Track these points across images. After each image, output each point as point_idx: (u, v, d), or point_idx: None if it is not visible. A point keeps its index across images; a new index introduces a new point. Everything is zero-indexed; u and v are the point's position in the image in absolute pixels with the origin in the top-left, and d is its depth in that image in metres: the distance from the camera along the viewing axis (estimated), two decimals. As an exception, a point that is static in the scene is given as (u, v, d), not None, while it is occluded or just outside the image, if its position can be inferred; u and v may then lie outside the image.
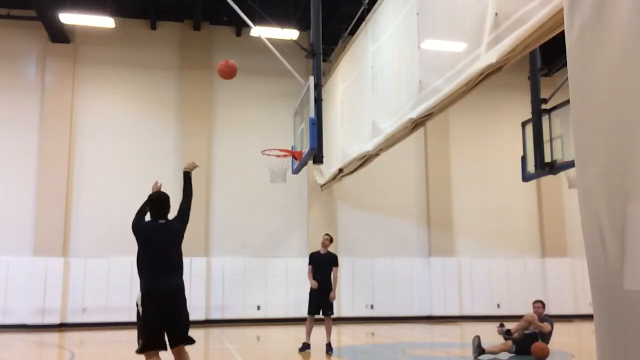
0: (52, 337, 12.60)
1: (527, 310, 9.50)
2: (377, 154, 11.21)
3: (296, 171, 11.01)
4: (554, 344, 8.83)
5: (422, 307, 16.22)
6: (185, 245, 5.18)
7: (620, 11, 2.30)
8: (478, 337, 8.46)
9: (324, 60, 13.23)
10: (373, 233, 16.40)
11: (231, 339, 12.12)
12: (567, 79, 2.68)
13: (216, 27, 16.36)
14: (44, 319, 14.03)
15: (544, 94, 11.79)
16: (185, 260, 5.18)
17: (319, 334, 9.45)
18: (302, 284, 13.05)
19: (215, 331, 13.42)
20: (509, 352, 8.64)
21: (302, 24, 14.76)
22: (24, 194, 14.73)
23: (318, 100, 9.56)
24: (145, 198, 5.25)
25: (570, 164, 10.37)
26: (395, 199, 16.67)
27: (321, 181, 15.42)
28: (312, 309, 9.29)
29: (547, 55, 13.34)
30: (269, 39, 10.69)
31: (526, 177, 12.22)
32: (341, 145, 12.93)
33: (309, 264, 9.46)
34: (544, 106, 11.59)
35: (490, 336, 9.47)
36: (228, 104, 16.18)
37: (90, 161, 15.22)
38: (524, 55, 6.55)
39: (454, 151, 17.23)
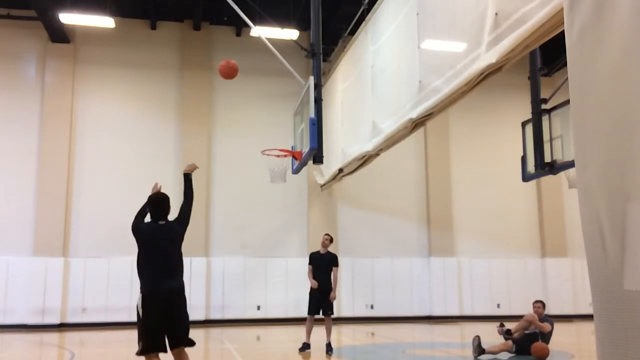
0: (52, 337, 12.60)
1: (527, 310, 9.50)
2: (377, 154, 11.21)
3: (296, 171, 11.01)
4: (554, 344, 8.83)
5: (422, 307, 16.22)
6: (185, 245, 5.18)
7: (620, 11, 2.30)
8: (478, 337, 8.46)
9: (324, 60, 13.23)
10: (373, 233, 16.40)
11: (231, 339, 12.12)
12: (567, 79, 2.68)
13: (216, 27, 16.36)
14: (44, 319, 14.03)
15: (544, 94, 11.79)
16: (185, 260, 5.18)
17: (319, 334, 9.45)
18: (302, 284, 13.05)
19: (215, 331, 13.42)
20: (509, 352, 8.64)
21: (302, 24, 14.76)
22: (24, 194, 14.73)
23: (318, 100, 9.56)
24: (145, 199, 5.25)
25: (570, 164, 10.37)
26: (395, 199, 16.67)
27: (321, 181, 15.42)
28: (312, 309, 9.29)
29: (547, 55, 13.34)
30: (269, 39, 10.69)
31: (526, 177, 12.22)
32: (341, 145, 12.93)
33: (309, 263, 9.46)
34: (544, 106, 11.59)
35: (490, 336, 9.47)
36: (228, 104, 16.18)
37: (90, 161, 15.22)
38: (524, 55, 6.55)
39: (454, 151, 17.23)
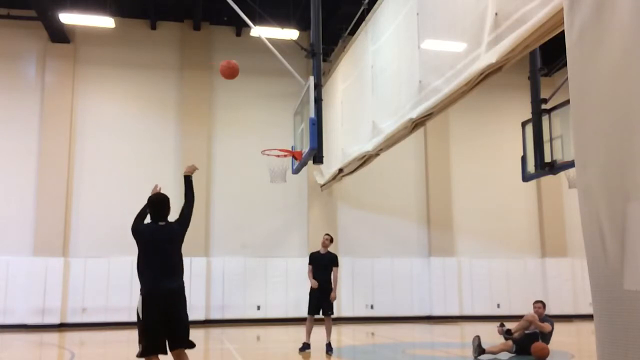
0: (52, 337, 12.60)
1: (527, 310, 9.50)
2: (377, 154, 11.21)
3: (296, 171, 11.01)
4: (554, 344, 8.83)
5: (422, 307, 16.22)
6: (185, 245, 5.18)
7: (620, 11, 2.30)
8: (478, 337, 8.46)
9: (324, 60, 13.23)
10: (373, 233, 16.40)
11: (231, 339, 12.12)
12: (567, 79, 2.68)
13: (216, 27, 16.36)
14: (44, 319, 14.03)
15: (544, 94, 11.79)
16: (185, 260, 5.17)
17: (319, 334, 9.45)
18: (302, 284, 13.05)
19: (215, 331, 13.42)
20: (509, 352, 8.64)
21: (302, 24, 14.76)
22: (24, 194, 14.73)
23: (318, 100, 9.56)
24: (145, 199, 5.24)
25: (570, 164, 10.37)
26: (395, 199, 16.67)
27: (321, 181, 15.42)
28: (312, 308, 9.29)
29: (547, 55, 13.34)
30: (269, 39, 10.69)
31: (526, 177, 12.22)
32: (341, 145, 12.93)
33: (309, 263, 9.46)
34: (544, 106, 11.59)
35: (490, 336, 9.48)
36: (228, 104, 16.18)
37: (90, 161, 15.22)
38: (524, 55, 6.55)
39: (454, 151, 17.23)
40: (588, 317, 15.31)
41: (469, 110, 16.38)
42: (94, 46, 15.61)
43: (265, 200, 15.75)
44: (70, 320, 14.31)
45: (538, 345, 8.33)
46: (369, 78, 11.08)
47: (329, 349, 9.10)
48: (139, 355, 4.83)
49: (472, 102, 14.29)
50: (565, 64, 4.47)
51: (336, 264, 9.38)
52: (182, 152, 15.47)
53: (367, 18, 11.45)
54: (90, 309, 14.42)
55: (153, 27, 16.04)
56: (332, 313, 9.29)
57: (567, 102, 10.08)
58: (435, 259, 16.45)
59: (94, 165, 15.19)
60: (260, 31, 11.65)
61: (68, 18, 13.45)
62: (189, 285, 5.62)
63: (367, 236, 16.35)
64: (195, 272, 14.57)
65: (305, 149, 9.70)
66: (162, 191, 5.37)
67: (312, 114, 9.32)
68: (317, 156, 9.53)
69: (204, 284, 14.92)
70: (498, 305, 16.41)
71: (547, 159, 11.22)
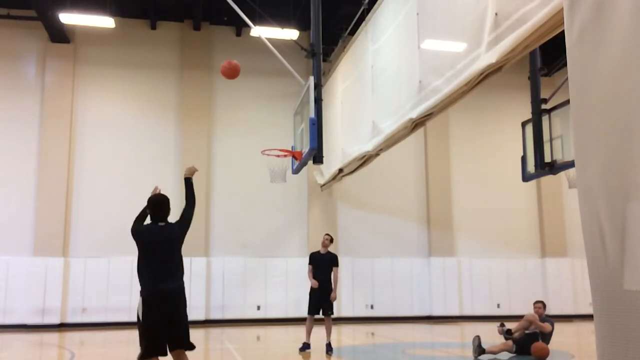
0: (52, 337, 12.60)
1: (527, 310, 9.50)
2: (377, 154, 11.21)
3: (296, 171, 11.01)
4: (554, 343, 8.83)
5: (422, 307, 16.22)
6: (185, 245, 5.17)
7: (620, 11, 2.30)
8: (478, 337, 8.46)
9: (324, 60, 13.23)
10: (373, 233, 16.41)
11: (231, 339, 12.12)
12: (567, 79, 2.69)
13: (216, 27, 16.36)
14: (44, 319, 14.03)
15: (544, 94, 11.79)
16: (185, 260, 5.17)
17: (319, 334, 9.45)
18: (302, 284, 13.07)
19: (215, 331, 13.42)
20: (509, 352, 8.64)
21: (302, 24, 14.76)
22: (24, 194, 14.73)
23: (318, 100, 9.56)
24: (145, 200, 5.24)
25: (570, 164, 10.37)
26: (395, 199, 16.67)
27: (321, 181, 15.42)
28: (312, 308, 9.29)
29: (547, 55, 13.34)
30: (269, 39, 10.69)
31: (526, 177, 12.22)
32: (341, 145, 12.93)
33: (309, 263, 9.46)
34: (544, 106, 11.59)
35: (490, 336, 9.48)
36: (228, 104, 16.18)
37: (90, 161, 15.22)
38: (524, 55, 6.55)
39: (454, 151, 17.23)
40: (588, 317, 15.31)
41: (469, 110, 16.38)
42: (94, 46, 15.61)
43: (265, 200, 15.75)
44: (70, 320, 14.31)
45: (538, 345, 8.33)
46: (369, 78, 11.08)
47: (329, 349, 9.10)
48: (140, 357, 4.83)
49: (472, 102, 14.30)
50: (565, 64, 4.47)
51: (336, 264, 9.38)
52: (182, 152, 15.48)
53: (367, 18, 11.45)
54: (90, 309, 14.42)
55: (153, 27, 16.04)
56: (332, 313, 9.29)
57: (567, 102, 10.08)
58: (435, 259, 16.45)
59: (94, 165, 15.19)
60: (260, 31, 11.65)
61: (68, 18, 13.45)
62: (189, 285, 5.62)
63: (367, 236, 16.35)
64: (195, 272, 14.57)
65: (305, 149, 9.70)
66: (162, 192, 5.37)
67: (312, 114, 9.33)
68: (317, 156, 9.53)
69: (204, 284, 14.92)
70: (498, 305, 16.41)
71: (547, 159, 11.22)
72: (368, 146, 10.90)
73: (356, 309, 15.82)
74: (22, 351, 10.60)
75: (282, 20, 13.64)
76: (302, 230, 16.00)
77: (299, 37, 12.83)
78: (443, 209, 16.82)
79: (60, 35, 14.98)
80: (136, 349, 4.91)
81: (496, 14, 6.50)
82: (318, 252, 9.56)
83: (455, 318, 16.07)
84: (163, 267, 4.93)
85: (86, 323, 14.26)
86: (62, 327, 14.13)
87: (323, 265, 9.32)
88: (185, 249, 5.16)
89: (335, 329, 11.33)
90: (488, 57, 6.53)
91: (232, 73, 8.44)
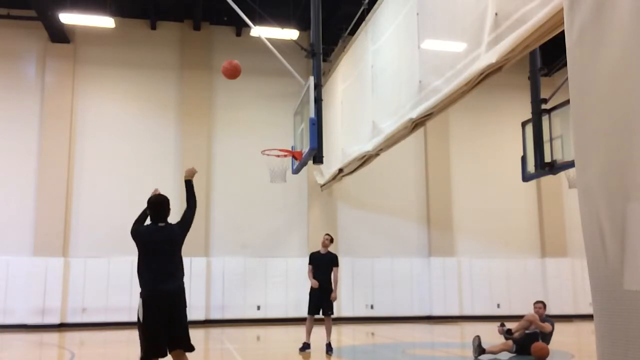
0: (52, 337, 12.60)
1: (527, 310, 9.50)
2: (377, 154, 11.21)
3: (296, 171, 11.01)
4: (554, 343, 8.83)
5: (422, 307, 16.22)
6: (185, 245, 5.18)
7: (620, 11, 2.30)
8: (478, 337, 8.46)
9: (324, 60, 13.23)
10: (373, 233, 16.40)
11: (231, 339, 12.12)
12: (567, 79, 2.69)
13: (216, 27, 16.36)
14: (44, 319, 14.03)
15: (544, 94, 11.79)
16: (185, 260, 5.17)
17: (319, 334, 9.45)
18: (302, 284, 13.07)
19: (215, 331, 13.42)
20: (510, 351, 8.64)
21: (302, 24, 14.76)
22: (24, 194, 14.73)
23: (318, 100, 9.56)
24: (145, 200, 5.24)
25: (570, 164, 10.37)
26: (395, 199, 16.67)
27: (321, 181, 15.42)
28: (312, 308, 9.29)
29: (547, 55, 13.34)
30: (269, 39, 10.69)
31: (526, 177, 12.22)
32: (341, 145, 12.93)
33: (309, 263, 9.46)
34: (544, 106, 11.59)
35: (491, 336, 9.48)
36: (228, 104, 16.18)
37: (90, 161, 15.22)
38: (524, 55, 6.55)
39: (454, 151, 17.23)
40: (588, 317, 15.31)
41: (469, 110, 16.38)
42: (94, 46, 15.61)
43: (265, 200, 15.75)
44: (70, 320, 14.31)
45: (538, 345, 8.34)
46: (369, 78, 11.08)
47: (329, 349, 9.10)
48: (141, 359, 4.83)
49: (472, 102, 14.30)
50: (565, 64, 4.47)
51: (336, 264, 9.38)
52: (182, 152, 15.48)
53: (367, 18, 11.45)
54: (90, 309, 14.42)
55: (153, 27, 16.04)
56: (332, 313, 9.29)
57: (567, 102, 10.08)
58: (435, 259, 16.45)
59: (94, 165, 15.19)
60: (260, 31, 11.65)
61: (68, 18, 13.45)
62: (189, 285, 5.62)
63: (367, 236, 16.35)
64: (195, 272, 14.57)
65: (305, 149, 9.70)
66: (161, 193, 5.37)
67: (312, 114, 9.33)
68: (317, 156, 9.53)
69: (204, 284, 14.92)
70: (498, 305, 16.41)
71: (547, 159, 11.22)
72: (368, 146, 10.90)
73: (356, 309, 15.82)
74: (22, 351, 10.60)
75: (282, 20, 13.64)
76: (302, 230, 16.00)
77: (299, 37, 12.83)
78: (443, 209, 16.82)
79: (60, 35, 14.98)
80: (136, 349, 4.91)
81: (496, 14, 6.50)
82: (318, 252, 9.56)
83: (455, 318, 16.07)
84: (163, 267, 4.93)
85: (86, 323, 14.26)
86: (62, 327, 14.13)
87: (323, 265, 9.32)
88: (185, 249, 5.16)
89: (335, 329, 11.33)
90: (488, 57, 6.53)
91: (233, 73, 8.45)
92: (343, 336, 12.30)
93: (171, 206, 5.20)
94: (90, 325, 14.19)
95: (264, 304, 15.37)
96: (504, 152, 16.58)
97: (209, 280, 15.10)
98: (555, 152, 11.12)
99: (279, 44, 11.42)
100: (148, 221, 5.18)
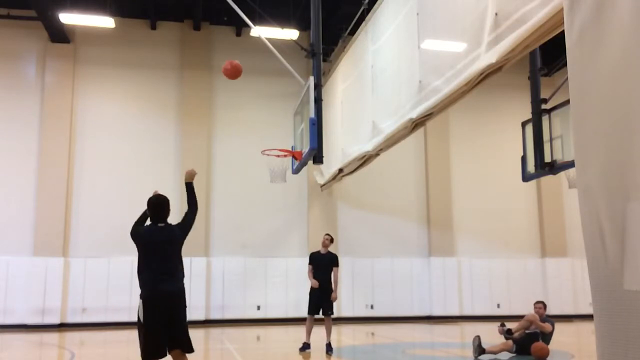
0: (52, 337, 12.60)
1: (527, 310, 9.51)
2: (377, 154, 11.21)
3: (296, 171, 11.01)
4: (554, 343, 8.83)
5: (422, 307, 16.22)
6: (185, 245, 5.18)
7: (620, 11, 2.30)
8: (478, 337, 8.46)
9: (324, 60, 13.23)
10: (373, 233, 16.40)
11: (231, 339, 12.12)
12: (567, 79, 2.68)
13: (216, 27, 16.36)
14: (44, 319, 14.03)
15: (544, 94, 11.79)
16: (185, 260, 5.17)
17: (319, 334, 9.45)
18: (302, 284, 13.07)
19: (215, 331, 13.42)
20: (510, 351, 8.64)
21: (302, 24, 14.76)
22: (24, 194, 14.73)
23: (318, 100, 9.56)
24: (145, 199, 5.24)
25: (570, 164, 10.37)
26: (395, 199, 16.67)
27: (321, 181, 15.42)
28: (312, 308, 9.29)
29: (547, 55, 13.34)
30: (269, 39, 10.69)
31: (526, 177, 12.22)
32: (341, 145, 12.93)
33: (309, 263, 9.46)
34: (544, 106, 11.59)
35: (491, 336, 9.47)
36: (228, 104, 16.18)
37: (90, 161, 15.22)
38: (524, 55, 6.55)
39: (454, 151, 17.23)
40: (588, 317, 15.31)
41: (469, 110, 16.38)
42: (94, 46, 15.61)
43: (265, 200, 15.75)
44: (70, 320, 14.31)
45: (538, 345, 8.34)
46: (369, 78, 11.08)
47: (329, 349, 9.10)
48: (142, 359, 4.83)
49: (472, 102, 14.30)
50: (565, 64, 4.47)
51: (336, 264, 9.38)
52: (182, 152, 15.48)
53: (367, 18, 11.45)
54: (90, 309, 14.42)
55: (153, 27, 16.04)
56: (332, 313, 9.29)
57: (567, 102, 10.08)
58: (435, 259, 16.45)
59: (94, 165, 15.19)
60: (260, 31, 11.65)
61: (68, 18, 13.45)
62: (189, 285, 5.62)
63: (367, 236, 16.35)
64: (195, 272, 14.57)
65: (305, 149, 9.70)
66: (161, 193, 5.37)
67: (312, 114, 9.33)
68: (317, 156, 9.53)
69: (204, 284, 14.92)
70: (498, 305, 16.41)
71: (547, 159, 11.22)
72: (368, 146, 10.90)
73: (356, 309, 15.82)
74: (22, 351, 10.60)
75: (282, 20, 13.64)
76: (302, 230, 16.00)
77: (299, 37, 12.83)
78: (443, 209, 16.82)
79: (60, 35, 14.98)
80: (136, 349, 4.91)
81: (496, 14, 6.50)
82: (318, 252, 9.56)
83: (455, 318, 16.07)
84: (163, 267, 4.93)
85: (86, 323, 14.26)
86: (62, 327, 14.13)
87: (323, 265, 9.32)
88: (185, 249, 5.16)
89: (335, 329, 11.33)
90: (488, 57, 6.53)
91: (234, 73, 8.46)
92: (343, 336, 12.30)
93: (171, 207, 5.20)
94: (90, 325, 14.19)
95: (264, 304, 15.37)
96: (504, 152, 16.58)
97: (209, 280, 15.10)
98: (555, 152, 11.12)
99: (279, 44, 11.42)
100: (148, 222, 5.18)
